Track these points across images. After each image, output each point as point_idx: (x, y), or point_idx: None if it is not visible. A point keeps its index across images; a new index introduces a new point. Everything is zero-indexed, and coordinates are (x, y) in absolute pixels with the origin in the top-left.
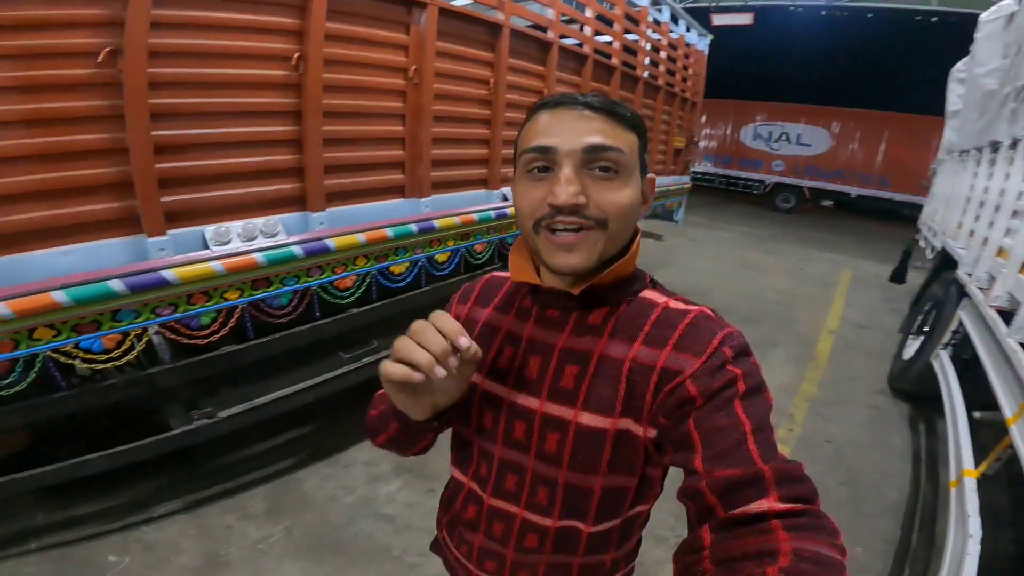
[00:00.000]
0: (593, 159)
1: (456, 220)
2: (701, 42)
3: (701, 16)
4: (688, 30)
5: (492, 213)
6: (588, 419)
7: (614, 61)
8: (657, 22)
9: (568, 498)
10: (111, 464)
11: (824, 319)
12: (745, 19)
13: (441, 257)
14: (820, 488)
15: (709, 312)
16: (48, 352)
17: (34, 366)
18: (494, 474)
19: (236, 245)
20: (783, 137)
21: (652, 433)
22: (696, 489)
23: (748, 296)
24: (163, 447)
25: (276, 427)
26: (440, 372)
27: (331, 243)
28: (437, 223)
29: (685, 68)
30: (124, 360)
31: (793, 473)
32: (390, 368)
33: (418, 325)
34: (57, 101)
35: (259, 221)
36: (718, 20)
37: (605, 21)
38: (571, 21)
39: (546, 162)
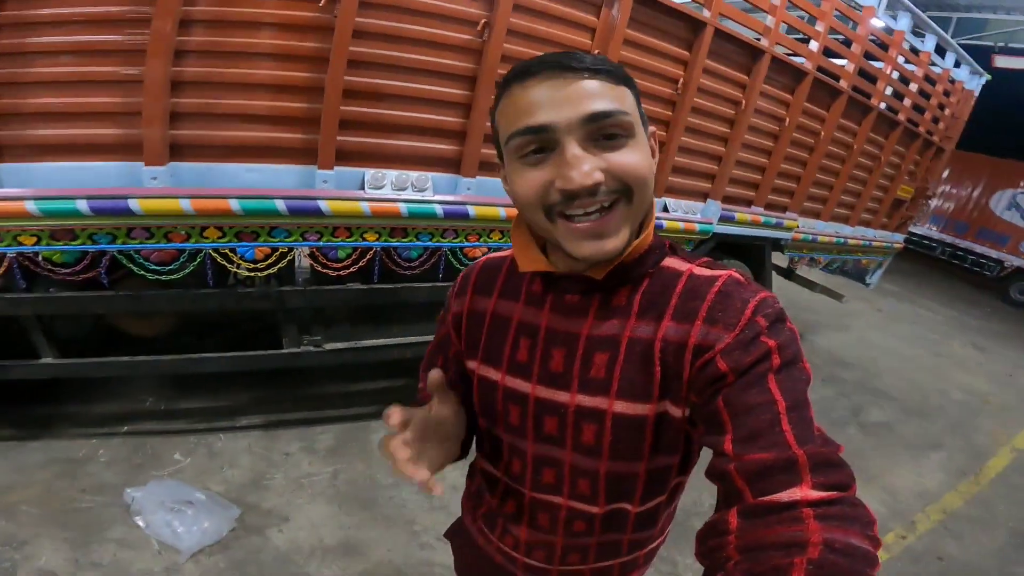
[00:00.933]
0: (597, 129)
1: None
2: (972, 80)
3: (982, 55)
4: (958, 65)
5: None
6: (623, 407)
7: (842, 84)
8: (915, 50)
9: (612, 485)
10: (221, 367)
11: (1014, 436)
12: None
13: None
14: None
15: (738, 276)
16: (210, 250)
17: (195, 259)
18: (530, 469)
19: (387, 192)
20: None
21: (687, 412)
22: (724, 471)
23: (927, 388)
24: (268, 362)
25: (373, 373)
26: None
27: (471, 210)
28: None
29: (941, 107)
30: (267, 272)
31: (830, 458)
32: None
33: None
34: (278, 39)
35: (413, 175)
36: (1001, 62)
37: (846, 42)
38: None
39: (541, 143)
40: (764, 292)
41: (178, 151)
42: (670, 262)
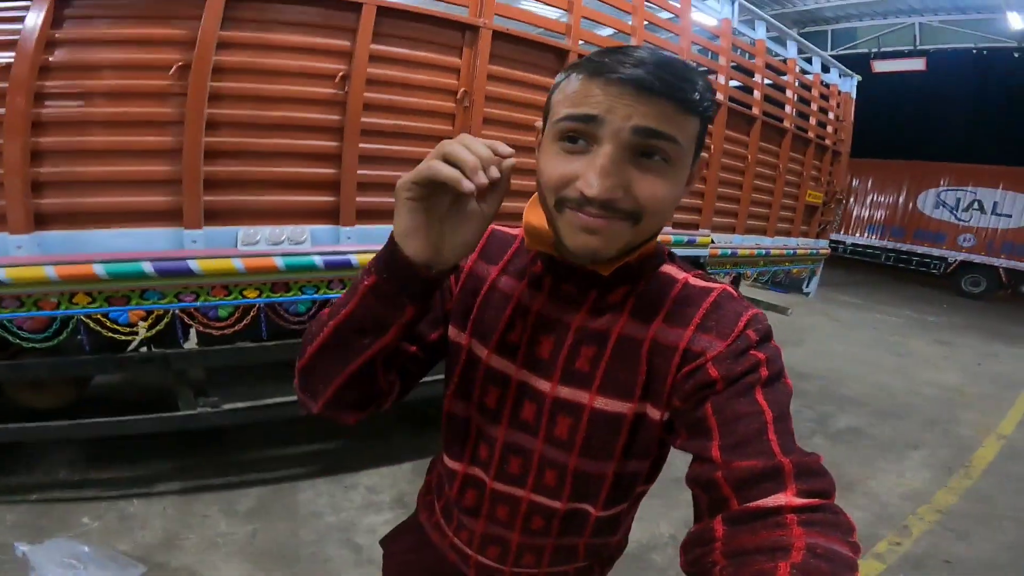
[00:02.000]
0: (642, 145)
1: None
2: (845, 83)
3: (860, 63)
4: (827, 70)
5: None
6: (604, 403)
7: (719, 96)
8: (781, 58)
9: (578, 483)
10: (115, 431)
11: (996, 424)
12: (916, 64)
13: None
14: None
15: (731, 291)
16: (81, 316)
17: (68, 326)
18: (497, 457)
19: (261, 248)
20: (974, 205)
21: (666, 416)
22: (710, 479)
23: (895, 388)
24: (165, 425)
25: (296, 435)
26: (482, 179)
27: (354, 259)
28: None
29: (824, 111)
30: (144, 335)
31: (812, 466)
32: (438, 166)
33: (460, 137)
34: (136, 106)
35: (287, 228)
36: (881, 67)
37: (711, 55)
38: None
39: (584, 133)
40: (755, 309)
41: (43, 220)
42: (668, 268)
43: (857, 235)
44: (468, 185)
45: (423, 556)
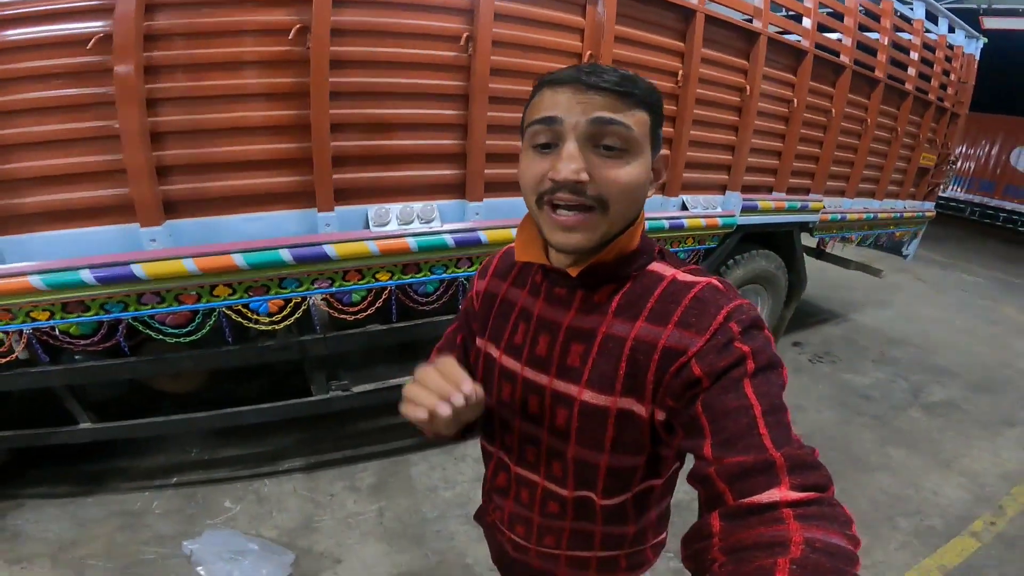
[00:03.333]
0: (599, 133)
1: None
2: (970, 45)
3: (969, 19)
4: (952, 31)
5: (665, 223)
6: (590, 396)
7: (843, 59)
8: (907, 19)
9: (578, 471)
10: (253, 419)
11: None
12: None
13: None
14: None
15: (717, 283)
16: (223, 308)
17: (211, 319)
18: (516, 444)
19: (393, 228)
20: None
21: (661, 415)
22: (705, 475)
23: (989, 360)
24: (301, 410)
25: None
26: (444, 410)
27: (483, 236)
28: None
29: (946, 74)
30: (283, 324)
31: (806, 460)
32: (411, 412)
33: (421, 371)
34: (255, 78)
35: (417, 206)
36: (990, 23)
37: (835, 15)
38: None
39: (551, 136)
40: (740, 300)
41: (172, 207)
42: (656, 267)
43: (942, 187)
44: (423, 416)
45: (488, 532)
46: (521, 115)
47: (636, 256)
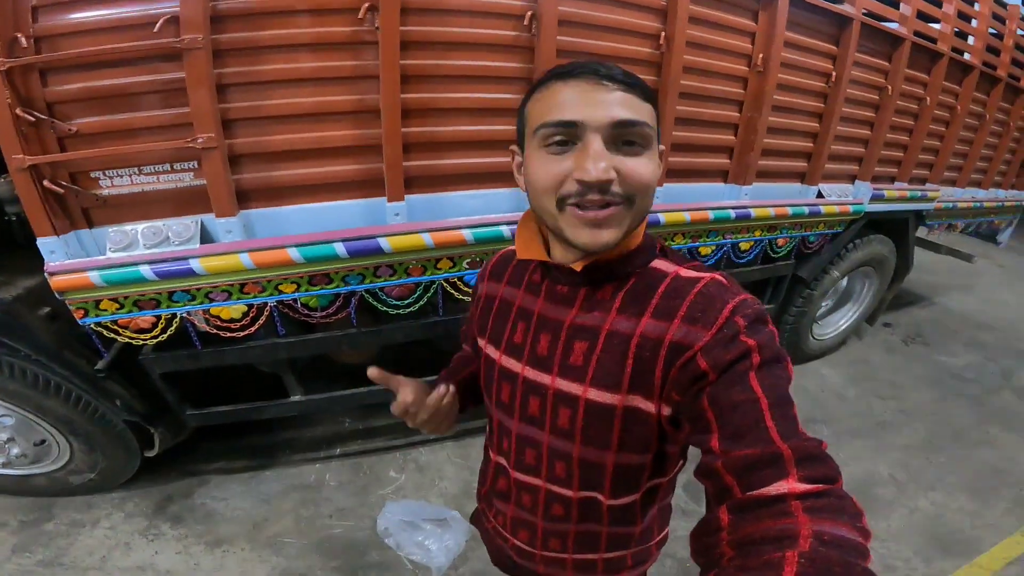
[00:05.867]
0: (621, 134)
1: (771, 212)
2: None
3: None
4: None
5: (806, 209)
6: (596, 395)
7: (973, 60)
8: (1002, 3)
9: (584, 471)
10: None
11: None
12: None
13: (745, 246)
14: None
15: (721, 278)
16: (442, 281)
17: (429, 291)
18: (514, 448)
19: None
20: None
21: (667, 411)
22: (712, 468)
23: None
24: None
25: None
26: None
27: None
28: (753, 212)
29: None
30: None
31: (814, 452)
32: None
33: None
34: (479, 59)
35: None
36: None
37: (965, 18)
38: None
39: (568, 136)
40: (745, 294)
41: (409, 183)
42: (659, 263)
43: None
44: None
45: (486, 536)
46: (518, 114)
47: (639, 252)
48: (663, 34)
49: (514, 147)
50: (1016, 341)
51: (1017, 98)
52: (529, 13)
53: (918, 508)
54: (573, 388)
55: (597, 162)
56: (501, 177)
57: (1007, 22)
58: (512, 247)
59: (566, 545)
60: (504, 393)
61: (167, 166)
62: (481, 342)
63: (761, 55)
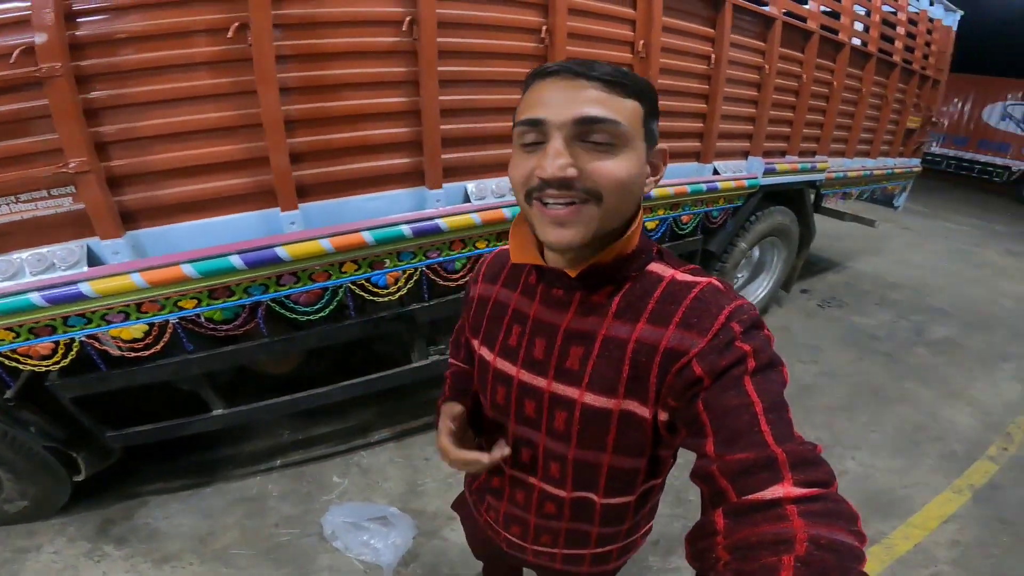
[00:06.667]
0: (586, 131)
1: (670, 191)
2: (948, 17)
3: None
4: (932, 3)
5: (703, 186)
6: (592, 399)
7: (842, 37)
8: None
9: (578, 473)
10: (366, 390)
11: None
12: None
13: (651, 224)
14: None
15: (718, 284)
16: (349, 284)
17: (338, 295)
18: (510, 447)
19: (490, 200)
20: None
21: (664, 416)
22: (707, 472)
23: (979, 300)
24: (404, 379)
25: None
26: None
27: None
28: (654, 192)
29: (928, 44)
30: (397, 295)
31: (808, 455)
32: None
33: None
34: (360, 67)
35: (506, 179)
36: None
37: None
38: None
39: (537, 135)
40: (741, 300)
41: (304, 192)
42: (655, 267)
43: (925, 145)
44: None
45: (474, 525)
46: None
47: (635, 257)
48: (544, 27)
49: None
50: (925, 298)
51: (891, 72)
52: (408, 18)
53: (846, 470)
54: (569, 392)
55: (555, 159)
56: (399, 179)
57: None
58: (507, 247)
59: (557, 541)
60: (499, 395)
61: (44, 192)
62: (475, 343)
63: (642, 41)
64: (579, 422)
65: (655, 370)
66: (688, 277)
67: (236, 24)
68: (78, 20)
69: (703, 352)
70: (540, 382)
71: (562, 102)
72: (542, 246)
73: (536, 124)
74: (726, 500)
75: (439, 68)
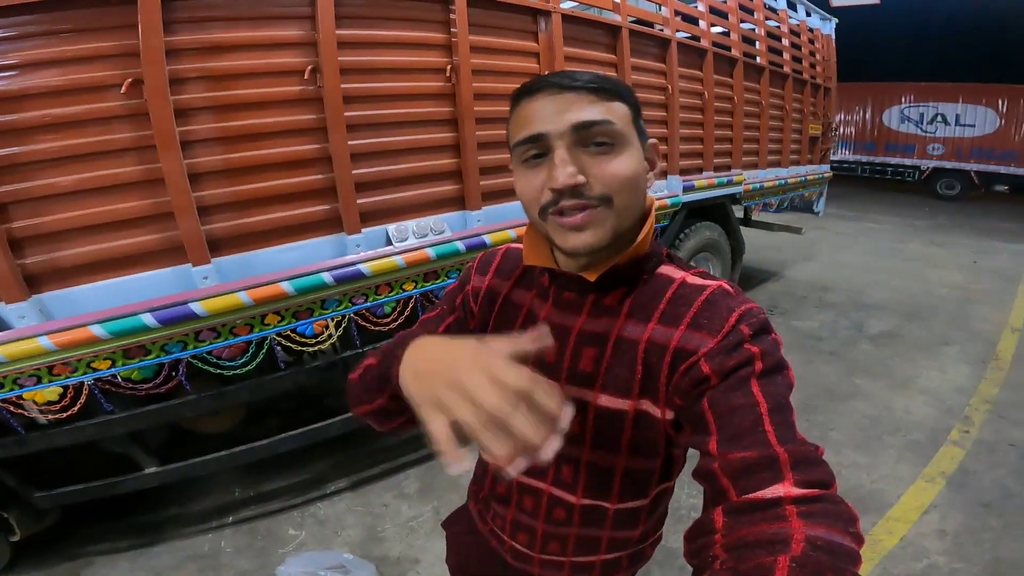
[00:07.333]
0: (585, 136)
1: None
2: (826, 26)
3: (819, 2)
4: (808, 15)
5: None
6: (607, 401)
7: (734, 52)
8: (773, 9)
9: (591, 476)
10: (309, 440)
11: (1007, 317)
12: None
13: None
14: (1004, 492)
15: (728, 287)
16: (274, 335)
17: (262, 348)
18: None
19: (412, 242)
20: (938, 119)
21: (670, 414)
22: (709, 470)
23: (912, 291)
24: (350, 425)
25: None
26: (552, 448)
27: (487, 239)
28: None
29: (812, 54)
30: (327, 344)
31: (809, 456)
32: (489, 445)
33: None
34: (265, 117)
35: (429, 220)
36: (838, 1)
37: (719, 14)
38: (687, 18)
39: (539, 149)
40: (750, 303)
41: (215, 246)
42: (665, 269)
43: (832, 151)
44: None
45: (475, 540)
46: (506, 132)
47: (647, 259)
48: (449, 66)
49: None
50: (860, 295)
51: (785, 83)
52: (310, 67)
53: None
54: (583, 394)
55: (564, 168)
56: (317, 226)
57: (755, 13)
58: (515, 245)
59: (566, 548)
60: None
61: None
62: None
63: (546, 72)
64: (593, 424)
65: (665, 369)
66: (699, 280)
67: (129, 80)
68: None
69: (712, 352)
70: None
71: (555, 113)
72: (553, 250)
73: (537, 139)
74: (726, 499)
75: (346, 113)
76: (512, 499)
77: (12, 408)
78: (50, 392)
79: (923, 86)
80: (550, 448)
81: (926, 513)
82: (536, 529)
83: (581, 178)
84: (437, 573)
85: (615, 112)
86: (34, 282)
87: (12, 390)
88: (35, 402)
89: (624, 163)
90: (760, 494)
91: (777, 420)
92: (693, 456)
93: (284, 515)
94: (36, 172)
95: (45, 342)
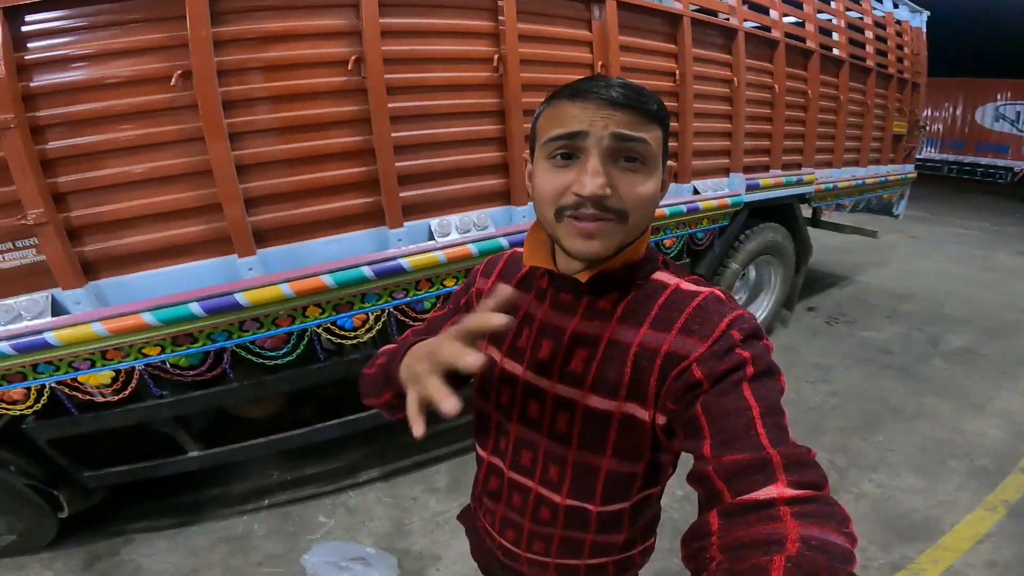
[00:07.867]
0: (620, 149)
1: None
2: (916, 18)
3: None
4: (896, 6)
5: (683, 207)
6: (595, 401)
7: (810, 44)
8: (855, 0)
9: (576, 476)
10: (344, 431)
11: None
12: None
13: None
14: None
15: (720, 293)
16: (314, 327)
17: (303, 339)
18: (511, 449)
19: (454, 237)
20: None
21: (662, 419)
22: (703, 473)
23: (994, 305)
24: (380, 419)
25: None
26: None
27: None
28: None
29: (900, 47)
30: (366, 337)
31: (802, 458)
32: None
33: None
34: (309, 108)
35: (473, 215)
36: None
37: (793, 3)
38: (756, 7)
39: (572, 149)
40: (741, 310)
41: (262, 238)
42: (660, 275)
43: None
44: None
45: (476, 536)
46: (530, 128)
47: (642, 265)
48: (497, 56)
49: (526, 155)
50: (938, 307)
51: (867, 77)
52: (354, 57)
53: (863, 493)
54: (572, 394)
55: (595, 178)
56: (359, 219)
57: (833, 3)
58: (520, 249)
59: (549, 549)
60: (504, 396)
61: (8, 244)
62: (481, 342)
63: (601, 63)
64: (581, 423)
65: (655, 373)
66: (692, 287)
67: (179, 72)
68: (30, 72)
69: (703, 357)
70: (544, 383)
71: (599, 118)
72: (554, 251)
73: (575, 136)
74: (721, 501)
75: (390, 105)
76: (503, 495)
77: (67, 390)
78: (103, 376)
79: (1021, 83)
80: (448, 404)
81: (979, 543)
82: (523, 527)
83: (608, 191)
84: (457, 571)
85: (652, 135)
86: (90, 269)
87: (67, 372)
88: (90, 384)
89: (648, 186)
90: (754, 495)
91: (769, 423)
92: (685, 463)
93: (316, 501)
94: (92, 163)
95: (98, 327)
